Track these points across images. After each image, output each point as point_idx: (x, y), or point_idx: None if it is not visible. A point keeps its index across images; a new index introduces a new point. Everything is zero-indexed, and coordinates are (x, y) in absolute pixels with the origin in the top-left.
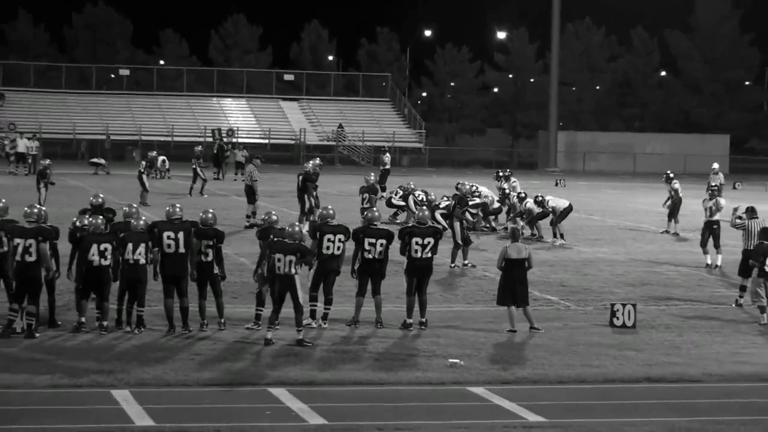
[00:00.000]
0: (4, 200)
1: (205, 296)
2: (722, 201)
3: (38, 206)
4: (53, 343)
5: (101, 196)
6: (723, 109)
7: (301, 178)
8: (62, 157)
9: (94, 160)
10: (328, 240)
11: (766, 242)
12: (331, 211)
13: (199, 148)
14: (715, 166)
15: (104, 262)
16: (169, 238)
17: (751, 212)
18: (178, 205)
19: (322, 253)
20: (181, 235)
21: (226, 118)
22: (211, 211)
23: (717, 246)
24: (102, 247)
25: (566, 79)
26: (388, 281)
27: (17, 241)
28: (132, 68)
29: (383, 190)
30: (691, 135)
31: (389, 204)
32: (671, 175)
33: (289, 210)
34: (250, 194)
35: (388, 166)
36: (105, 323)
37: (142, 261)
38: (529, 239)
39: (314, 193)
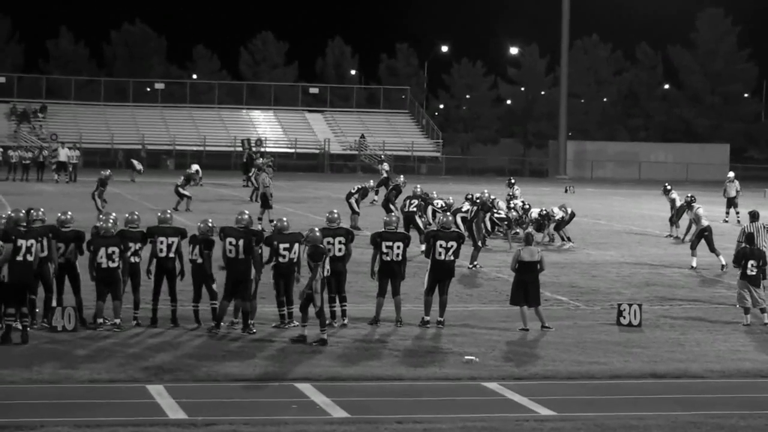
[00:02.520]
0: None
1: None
2: (700, 210)
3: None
4: (92, 341)
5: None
6: (722, 120)
7: (388, 190)
8: (101, 166)
9: (134, 161)
10: (328, 242)
11: (748, 246)
12: (335, 215)
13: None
14: (731, 174)
15: (112, 264)
16: (230, 243)
17: (752, 216)
18: (246, 212)
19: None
20: (241, 242)
21: (255, 128)
22: (246, 213)
23: (712, 249)
24: (110, 250)
25: (575, 92)
26: (407, 282)
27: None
28: (166, 82)
29: (376, 193)
30: (692, 144)
31: (386, 207)
32: (668, 187)
33: (315, 215)
34: (264, 200)
35: (385, 175)
36: (117, 321)
37: (199, 260)
38: (546, 244)
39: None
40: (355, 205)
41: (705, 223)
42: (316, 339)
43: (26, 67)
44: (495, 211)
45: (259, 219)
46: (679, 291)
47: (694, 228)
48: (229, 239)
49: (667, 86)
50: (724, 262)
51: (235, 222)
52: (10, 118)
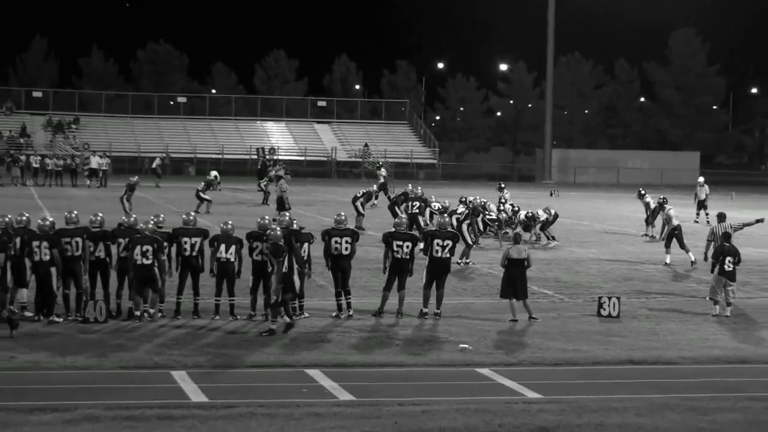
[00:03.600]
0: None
1: (256, 291)
2: (672, 211)
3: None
4: (121, 331)
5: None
6: (694, 130)
7: (396, 196)
8: (129, 172)
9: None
10: (335, 242)
11: (726, 244)
12: (342, 217)
13: (211, 176)
14: (701, 179)
15: (146, 261)
16: (336, 242)
17: (720, 218)
18: (343, 214)
19: (332, 254)
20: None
21: (268, 138)
22: (267, 217)
23: (682, 246)
24: (144, 248)
25: (559, 104)
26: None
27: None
28: (188, 96)
29: (376, 197)
30: (666, 152)
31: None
32: (642, 191)
33: (323, 217)
34: (280, 203)
35: (383, 180)
36: (152, 311)
37: (232, 259)
38: (533, 243)
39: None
40: (360, 208)
41: (675, 222)
42: (265, 329)
43: (61, 83)
44: (486, 213)
45: (274, 220)
46: (655, 285)
47: (666, 227)
48: (334, 238)
49: (643, 99)
50: (693, 259)
51: (335, 223)
52: (47, 129)
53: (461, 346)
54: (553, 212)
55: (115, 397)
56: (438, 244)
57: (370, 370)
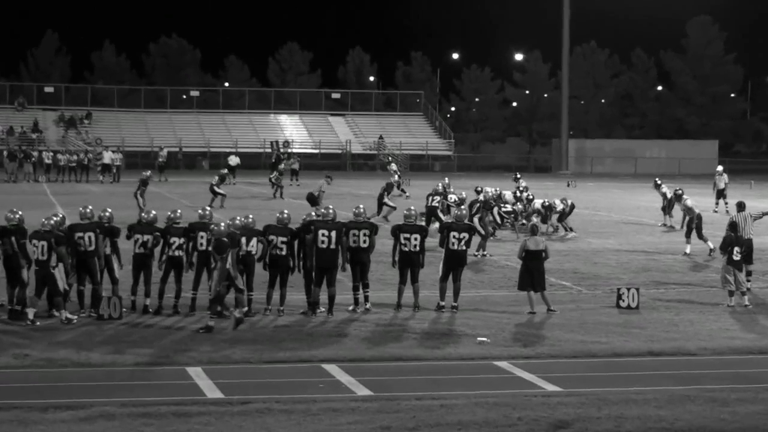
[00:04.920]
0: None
1: (273, 285)
2: (689, 201)
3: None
4: (136, 327)
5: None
6: (711, 118)
7: (431, 199)
8: (142, 167)
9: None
10: (354, 235)
11: (733, 234)
12: (361, 210)
13: (225, 171)
14: (719, 168)
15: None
16: (323, 235)
17: (739, 207)
18: (331, 207)
19: (350, 246)
20: (333, 233)
21: (282, 131)
22: (286, 212)
23: (701, 236)
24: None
25: (575, 94)
26: (423, 270)
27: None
28: (201, 90)
29: (398, 187)
30: (684, 141)
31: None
32: (659, 182)
33: (340, 210)
34: (312, 200)
35: (396, 177)
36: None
37: (253, 252)
38: (550, 234)
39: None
40: (390, 202)
41: (696, 211)
42: (203, 325)
43: (73, 78)
44: (501, 205)
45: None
46: (673, 275)
47: (687, 218)
48: (321, 231)
49: (660, 88)
50: (712, 247)
51: (322, 216)
52: (59, 125)
53: (479, 339)
54: (569, 202)
55: (131, 395)
56: (454, 237)
57: (387, 364)
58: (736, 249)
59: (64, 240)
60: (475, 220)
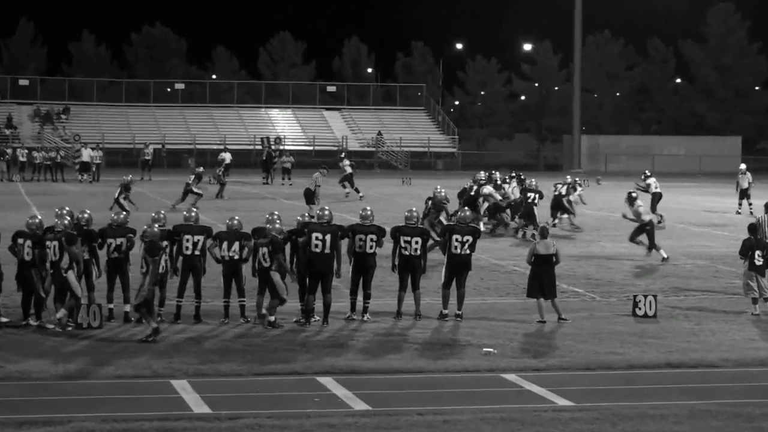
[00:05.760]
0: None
1: (263, 293)
2: (641, 208)
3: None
4: (117, 337)
5: None
6: (733, 113)
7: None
8: (124, 166)
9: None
10: (360, 239)
11: (753, 237)
12: (368, 212)
13: (201, 169)
14: (743, 166)
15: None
16: (317, 239)
17: (767, 208)
18: (327, 209)
19: (355, 251)
20: (328, 237)
21: (273, 127)
22: (327, 208)
23: (653, 245)
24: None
25: (588, 87)
26: (425, 276)
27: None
28: (187, 83)
29: (344, 187)
30: (704, 137)
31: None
32: (648, 173)
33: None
34: (309, 196)
35: (349, 171)
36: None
37: (236, 257)
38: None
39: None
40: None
41: (647, 218)
42: (148, 333)
43: (49, 70)
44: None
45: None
46: (693, 282)
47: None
48: (315, 234)
49: (678, 80)
50: (665, 256)
51: (316, 218)
52: (34, 120)
53: (485, 350)
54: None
55: (112, 409)
56: (457, 240)
57: (386, 377)
58: (758, 253)
59: (75, 239)
60: (426, 222)
